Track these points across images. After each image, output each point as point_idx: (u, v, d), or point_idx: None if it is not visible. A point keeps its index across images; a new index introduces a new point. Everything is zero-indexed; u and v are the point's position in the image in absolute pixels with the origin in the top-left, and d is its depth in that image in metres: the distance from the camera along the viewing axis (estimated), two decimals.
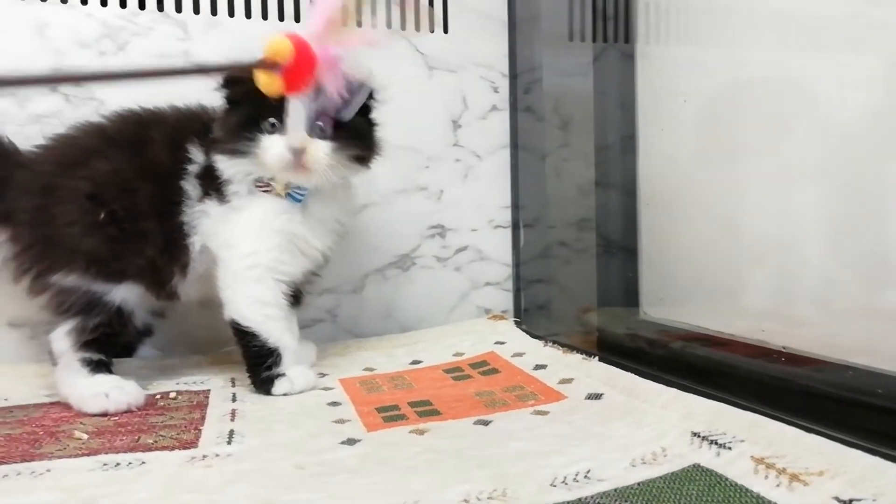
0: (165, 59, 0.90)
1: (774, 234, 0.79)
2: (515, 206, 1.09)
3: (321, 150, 0.70)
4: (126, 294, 0.74)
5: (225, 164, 0.73)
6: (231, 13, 0.94)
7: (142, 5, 0.90)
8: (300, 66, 0.55)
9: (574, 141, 1.08)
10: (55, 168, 0.74)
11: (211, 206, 0.74)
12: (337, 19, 0.57)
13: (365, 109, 0.74)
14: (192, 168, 0.75)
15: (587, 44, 1.07)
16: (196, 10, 0.92)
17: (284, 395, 0.72)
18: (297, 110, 0.68)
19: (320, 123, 0.70)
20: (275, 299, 0.74)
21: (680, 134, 0.95)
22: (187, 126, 0.76)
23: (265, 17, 0.95)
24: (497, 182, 1.08)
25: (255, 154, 0.71)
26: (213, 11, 0.93)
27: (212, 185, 0.74)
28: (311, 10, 0.60)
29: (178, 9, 0.91)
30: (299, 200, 0.74)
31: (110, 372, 0.72)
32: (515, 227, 1.09)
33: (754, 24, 0.82)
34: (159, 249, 0.74)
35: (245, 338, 0.74)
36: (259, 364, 0.74)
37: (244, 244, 0.73)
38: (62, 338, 0.71)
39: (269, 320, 0.74)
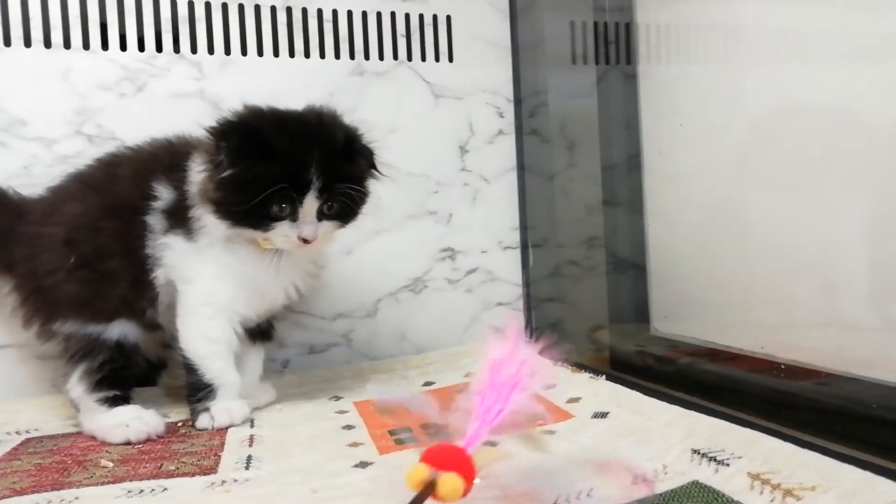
0: (182, 97, 0.94)
1: (782, 248, 0.80)
2: (524, 227, 1.11)
3: (325, 230, 0.73)
4: (122, 329, 0.75)
5: (214, 223, 0.72)
6: (244, 52, 0.98)
7: (159, 48, 0.94)
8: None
9: (580, 161, 1.10)
10: (39, 217, 0.77)
11: (175, 240, 0.74)
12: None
13: (362, 175, 0.75)
14: (159, 203, 0.74)
15: (590, 66, 1.09)
16: (210, 51, 0.96)
17: (204, 429, 0.73)
18: (311, 204, 0.70)
19: (329, 204, 0.71)
20: (224, 336, 0.75)
21: (684, 151, 0.96)
22: (154, 160, 0.77)
23: (276, 54, 0.99)
24: (505, 204, 1.11)
25: (259, 232, 0.71)
26: (227, 51, 0.97)
27: (180, 221, 0.74)
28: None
29: (194, 50, 0.95)
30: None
31: (129, 403, 0.75)
32: (525, 247, 1.11)
33: (755, 41, 0.83)
34: (128, 285, 0.75)
35: (188, 369, 0.75)
36: (192, 395, 0.75)
37: (203, 282, 0.74)
38: (76, 385, 0.74)
39: (212, 356, 0.75)
